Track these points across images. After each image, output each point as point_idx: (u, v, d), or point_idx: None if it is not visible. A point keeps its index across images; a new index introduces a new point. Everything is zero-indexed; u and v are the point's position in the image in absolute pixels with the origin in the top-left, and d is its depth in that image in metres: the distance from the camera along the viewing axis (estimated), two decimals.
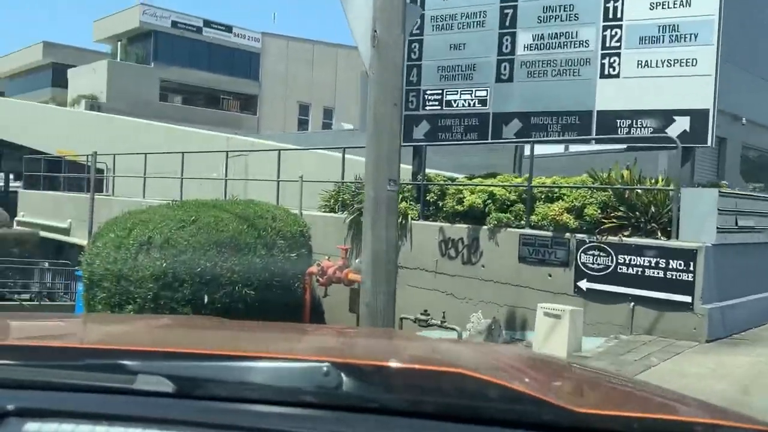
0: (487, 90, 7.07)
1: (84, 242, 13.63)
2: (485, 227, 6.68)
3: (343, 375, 1.00)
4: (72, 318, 2.35)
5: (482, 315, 6.25)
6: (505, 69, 6.95)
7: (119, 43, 32.84)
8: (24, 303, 13.68)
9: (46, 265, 14.65)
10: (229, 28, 34.04)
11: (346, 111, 35.73)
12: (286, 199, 9.42)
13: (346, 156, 8.82)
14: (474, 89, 7.12)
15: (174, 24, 32.25)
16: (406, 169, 8.59)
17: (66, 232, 14.36)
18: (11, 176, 42.32)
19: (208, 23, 33.49)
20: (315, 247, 8.00)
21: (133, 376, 1.02)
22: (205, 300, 6.70)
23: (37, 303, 13.84)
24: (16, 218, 16.79)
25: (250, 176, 12.25)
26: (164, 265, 6.81)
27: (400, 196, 7.48)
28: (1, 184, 41.56)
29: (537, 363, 1.67)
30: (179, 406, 0.99)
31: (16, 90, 37.18)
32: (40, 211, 15.82)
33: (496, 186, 6.74)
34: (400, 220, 7.28)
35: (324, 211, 9.05)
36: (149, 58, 32.30)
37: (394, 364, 1.17)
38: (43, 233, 14.71)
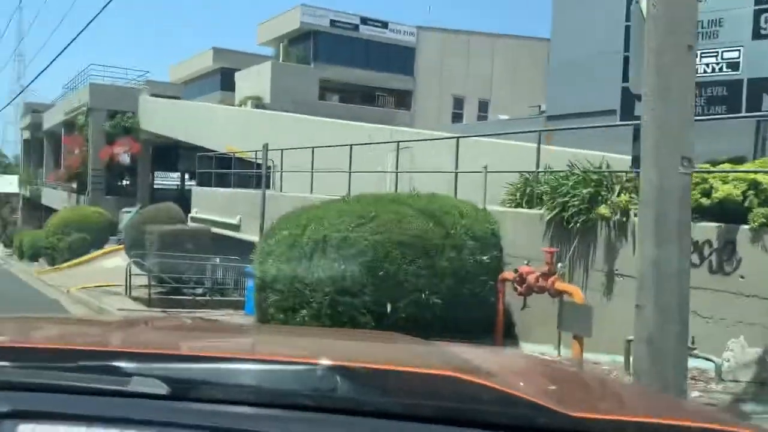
0: (739, 50, 5.51)
1: (254, 238, 13.57)
2: (745, 227, 5.12)
3: (338, 378, 0.99)
4: (67, 320, 2.32)
5: (746, 341, 4.74)
6: (766, 22, 5.34)
7: (281, 44, 33.79)
8: (197, 298, 13.83)
9: (218, 260, 14.75)
10: (385, 24, 33.83)
11: (501, 103, 34.23)
12: (459, 193, 8.39)
13: (510, 143, 7.62)
14: (720, 50, 5.58)
15: (332, 23, 32.59)
16: (615, 158, 7.18)
17: (236, 228, 14.39)
18: (186, 175, 45.41)
19: (364, 20, 33.51)
20: (505, 249, 6.86)
21: (128, 378, 1.01)
22: (388, 309, 5.80)
23: (209, 298, 13.97)
24: (189, 215, 17.25)
25: (416, 169, 11.36)
26: (342, 266, 5.99)
27: (617, 187, 6.10)
28: (178, 183, 44.67)
29: (533, 366, 1.62)
30: (174, 408, 0.98)
31: (189, 95, 39.73)
32: (212, 207, 16.12)
33: (761, 172, 5.14)
34: (618, 217, 5.91)
35: (509, 206, 7.87)
36: (309, 58, 32.94)
37: (389, 367, 1.15)
38: (214, 229, 14.86)
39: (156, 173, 36.56)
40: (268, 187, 16.69)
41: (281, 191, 14.41)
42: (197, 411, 0.98)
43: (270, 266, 7.33)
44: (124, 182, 31.01)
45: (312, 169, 12.29)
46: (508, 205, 7.98)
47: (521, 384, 1.25)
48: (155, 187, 35.14)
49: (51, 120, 39.34)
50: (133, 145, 29.06)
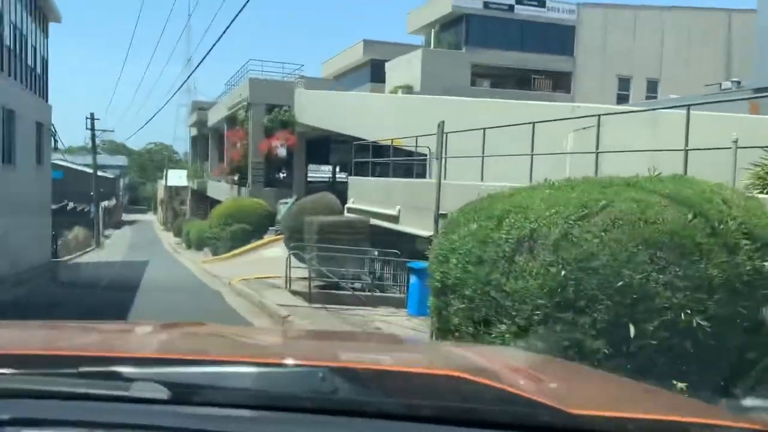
0: None
1: (414, 231, 12.41)
2: None
3: (339, 379, 0.99)
4: (65, 326, 1.99)
5: None
6: None
7: (432, 31, 32.63)
8: (356, 293, 12.91)
9: (376, 253, 13.76)
10: (542, 3, 31.48)
11: (672, 81, 30.62)
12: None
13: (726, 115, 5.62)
14: None
15: (485, 5, 30.85)
16: None
17: (394, 219, 13.29)
18: (337, 168, 45.83)
19: (519, 0, 31.39)
20: None
21: (129, 383, 1.00)
22: (631, 332, 4.20)
23: (370, 293, 13.02)
24: (346, 205, 16.49)
25: (603, 150, 9.49)
26: (562, 273, 4.48)
27: None
28: (329, 176, 45.20)
29: (533, 364, 1.60)
30: (176, 412, 0.97)
31: (340, 88, 39.95)
32: (369, 198, 15.20)
33: None
34: None
35: (758, 192, 5.96)
36: (461, 43, 31.49)
37: (390, 367, 1.17)
38: (373, 221, 13.86)
39: (308, 166, 36.92)
40: (423, 176, 15.55)
41: (445, 179, 13.09)
42: (199, 415, 0.97)
43: (454, 267, 5.96)
44: (281, 174, 31.47)
45: (483, 153, 10.82)
46: (757, 191, 6.05)
47: (522, 382, 1.24)
48: (307, 179, 35.55)
49: (215, 116, 41.27)
50: (289, 138, 29.32)
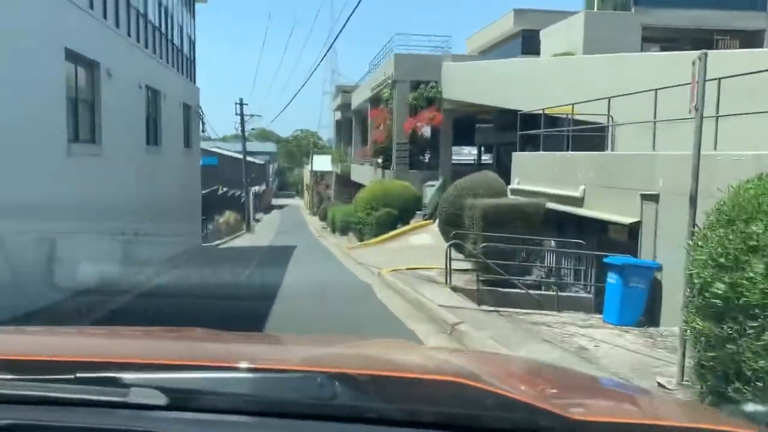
0: None
1: (608, 216, 9.77)
2: None
3: (338, 385, 0.98)
4: (63, 331, 1.97)
5: None
6: None
7: None
8: (530, 291, 10.52)
9: (553, 244, 11.25)
10: None
11: None
12: None
13: None
14: None
15: None
16: None
17: (577, 202, 10.68)
18: (482, 149, 43.18)
19: None
20: None
21: (127, 389, 0.99)
22: None
23: (546, 293, 10.57)
24: (509, 186, 14.05)
25: None
26: None
27: None
28: (473, 158, 42.73)
29: (533, 370, 1.60)
30: (173, 419, 0.95)
31: None
32: (540, 176, 12.67)
33: None
34: None
35: None
36: (629, 3, 27.53)
37: (389, 373, 1.13)
38: (550, 204, 11.33)
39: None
40: (603, 148, 12.71)
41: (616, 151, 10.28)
42: (197, 421, 0.95)
43: (758, 276, 3.55)
44: (426, 156, 29.52)
45: (717, 113, 7.92)
46: None
47: (522, 388, 1.22)
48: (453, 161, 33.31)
49: (358, 99, 40.21)
50: (435, 116, 27.23)
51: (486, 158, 47.68)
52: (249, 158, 70.89)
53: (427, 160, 29.38)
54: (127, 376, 1.02)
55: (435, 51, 30.05)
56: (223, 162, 59.97)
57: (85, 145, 11.35)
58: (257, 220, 47.90)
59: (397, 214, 21.78)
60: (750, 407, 1.27)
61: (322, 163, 57.83)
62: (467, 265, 11.74)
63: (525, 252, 11.00)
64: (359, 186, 38.59)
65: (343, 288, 11.96)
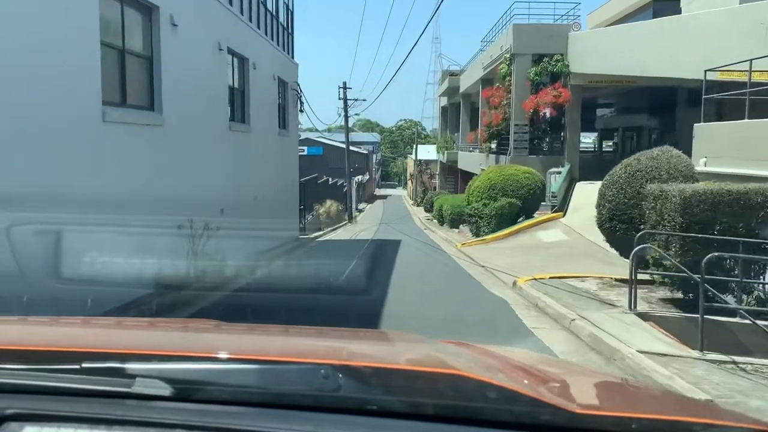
0: None
1: None
2: None
3: (341, 377, 0.97)
4: (69, 321, 1.83)
5: None
6: None
7: None
8: (760, 324, 6.73)
9: None
10: None
11: None
12: None
13: None
14: None
15: None
16: None
17: None
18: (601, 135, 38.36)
19: None
20: None
21: (131, 380, 0.99)
22: None
23: None
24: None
25: None
26: None
27: None
28: (592, 145, 38.01)
29: (535, 363, 1.58)
30: (178, 409, 0.96)
31: None
32: (742, 153, 8.76)
33: None
34: None
35: None
36: None
37: (392, 365, 1.13)
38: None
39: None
40: None
41: None
42: (201, 412, 0.95)
43: None
44: (547, 139, 25.54)
45: None
46: None
47: (525, 381, 1.20)
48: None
49: (467, 81, 36.62)
50: (562, 93, 23.22)
51: (608, 145, 42.70)
52: (352, 148, 69.14)
53: (548, 144, 25.40)
54: (132, 366, 1.00)
55: (561, 20, 25.90)
56: (327, 152, 58.43)
57: (138, 111, 8.69)
58: (360, 211, 45.54)
59: (519, 206, 18.19)
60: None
61: (426, 151, 54.91)
62: (641, 275, 8.11)
63: (755, 262, 7.23)
64: (466, 174, 35.12)
65: (470, 306, 8.68)
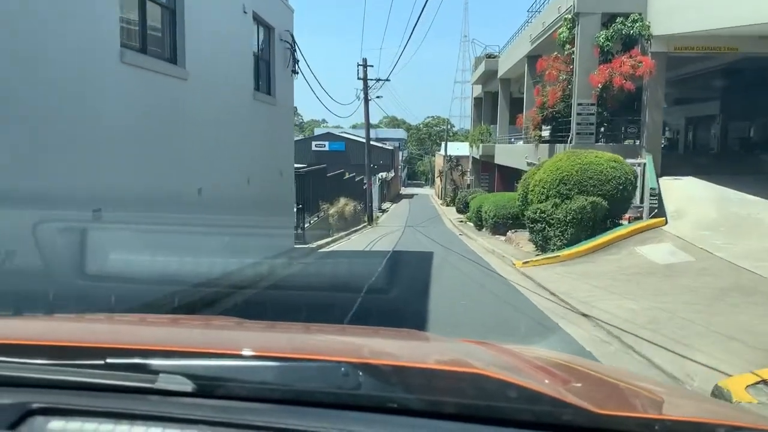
0: None
1: None
2: None
3: (362, 375, 0.97)
4: (93, 318, 1.83)
5: None
6: None
7: None
8: None
9: None
10: None
11: None
12: None
13: None
14: None
15: None
16: None
17: None
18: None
19: None
20: None
21: (155, 376, 0.98)
22: None
23: None
24: None
25: None
26: None
27: None
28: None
29: (557, 363, 1.51)
30: (199, 405, 0.95)
31: None
32: None
33: None
34: None
35: None
36: None
37: (413, 364, 1.09)
38: None
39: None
40: None
41: None
42: (223, 408, 0.94)
43: None
44: (622, 124, 19.60)
45: None
46: None
47: (545, 381, 1.17)
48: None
49: (507, 63, 30.81)
50: (643, 62, 17.34)
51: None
52: (376, 144, 63.64)
53: (622, 130, 19.52)
54: (155, 362, 1.00)
55: None
56: (350, 147, 53.26)
57: None
58: (383, 211, 40.01)
59: (607, 207, 12.42)
60: None
61: (455, 148, 49.40)
62: None
63: None
64: (505, 171, 29.30)
65: None
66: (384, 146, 58.70)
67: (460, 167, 45.57)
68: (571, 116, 19.21)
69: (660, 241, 11.38)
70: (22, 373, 1.02)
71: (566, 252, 11.69)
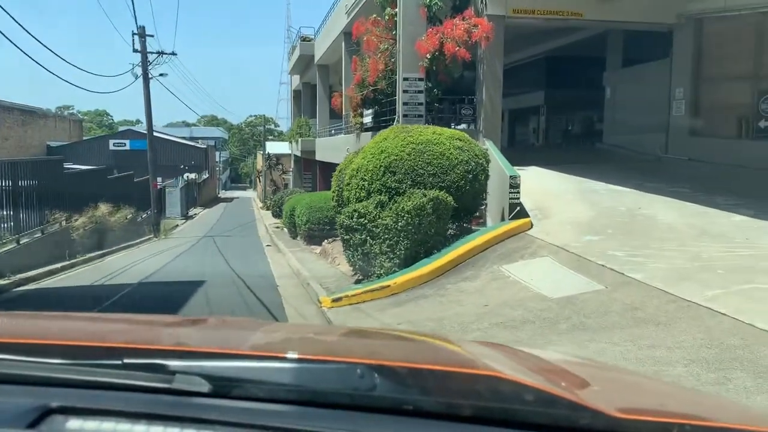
0: None
1: None
2: None
3: (377, 376, 0.93)
4: (112, 318, 1.84)
5: None
6: None
7: None
8: None
9: None
10: None
11: None
12: None
13: None
14: None
15: None
16: None
17: None
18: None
19: None
20: None
21: (172, 376, 0.95)
22: None
23: None
24: None
25: None
26: None
27: None
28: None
29: (572, 366, 1.45)
30: (216, 406, 0.93)
31: None
32: None
33: None
34: None
35: None
36: None
37: (428, 366, 1.05)
38: None
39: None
40: None
41: None
42: (239, 408, 0.92)
43: None
44: (455, 103, 15.87)
45: None
46: None
47: (562, 384, 1.10)
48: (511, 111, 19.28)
49: (324, 44, 26.44)
50: (479, 26, 13.73)
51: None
52: (187, 142, 55.94)
53: (454, 111, 15.84)
54: (172, 363, 0.97)
55: None
56: (158, 147, 45.50)
57: None
58: (189, 217, 33.59)
59: (453, 205, 8.17)
60: None
61: (277, 146, 44.35)
62: None
63: None
64: (327, 168, 24.87)
65: None
66: (196, 145, 51.55)
67: (280, 166, 40.45)
68: (396, 95, 15.15)
69: (534, 253, 7.38)
70: (41, 373, 1.00)
71: (400, 279, 7.23)
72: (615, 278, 6.02)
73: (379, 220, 7.71)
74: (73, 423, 0.91)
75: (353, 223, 7.88)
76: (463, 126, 15.27)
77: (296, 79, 38.37)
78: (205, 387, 0.93)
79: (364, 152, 9.37)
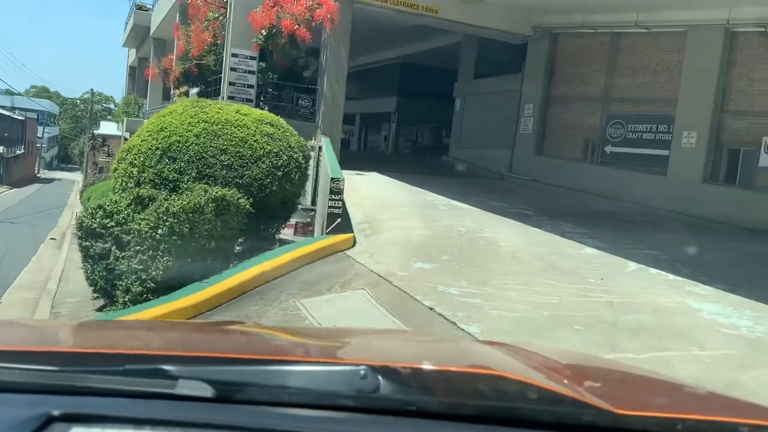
0: None
1: None
2: None
3: (380, 378, 0.91)
4: (111, 324, 1.87)
5: None
6: None
7: None
8: None
9: None
10: None
11: None
12: None
13: None
14: None
15: None
16: None
17: None
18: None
19: None
20: None
21: (174, 381, 0.93)
22: None
23: None
24: None
25: None
26: None
27: None
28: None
29: (575, 363, 1.45)
30: (219, 410, 0.91)
31: None
32: None
33: None
34: None
35: None
36: None
37: (431, 366, 1.02)
38: None
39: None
40: None
41: None
42: (242, 413, 0.90)
43: None
44: (298, 94, 13.63)
45: None
46: None
47: (565, 381, 1.08)
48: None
49: (160, 15, 22.97)
50: (323, 4, 11.74)
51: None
52: (7, 113, 47.81)
53: (291, 101, 13.65)
54: (174, 368, 0.94)
55: None
56: None
57: None
58: None
59: (249, 210, 5.94)
60: None
61: (112, 126, 39.09)
62: None
63: None
64: None
65: None
66: (12, 115, 44.09)
67: (107, 147, 35.38)
68: (223, 71, 12.66)
69: (348, 284, 5.44)
70: (43, 380, 0.97)
71: (154, 311, 4.87)
72: (445, 331, 4.22)
73: (133, 224, 5.28)
74: (76, 430, 0.88)
75: (95, 225, 5.36)
76: (301, 120, 13.17)
77: (133, 53, 33.80)
78: (208, 392, 0.92)
79: (142, 130, 6.84)
